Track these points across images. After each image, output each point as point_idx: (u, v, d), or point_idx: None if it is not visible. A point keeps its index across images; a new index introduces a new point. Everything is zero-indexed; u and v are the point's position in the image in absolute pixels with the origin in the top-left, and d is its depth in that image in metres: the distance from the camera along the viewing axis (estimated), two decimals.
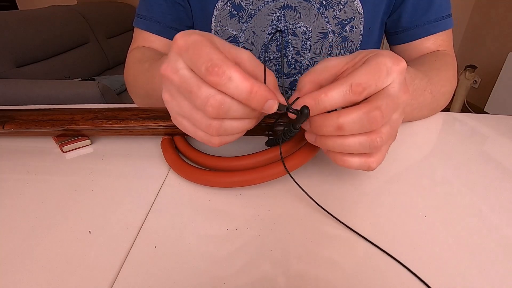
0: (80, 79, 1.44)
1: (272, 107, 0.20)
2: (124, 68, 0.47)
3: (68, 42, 1.58)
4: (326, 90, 0.21)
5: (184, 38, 0.21)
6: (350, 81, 0.21)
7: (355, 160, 0.23)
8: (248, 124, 0.23)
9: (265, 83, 0.23)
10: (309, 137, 0.25)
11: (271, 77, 0.24)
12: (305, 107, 0.21)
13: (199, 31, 0.22)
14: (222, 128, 0.22)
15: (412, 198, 0.27)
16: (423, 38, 0.44)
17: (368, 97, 0.22)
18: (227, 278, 0.20)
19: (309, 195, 0.25)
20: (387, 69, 0.21)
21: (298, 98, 0.23)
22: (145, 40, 0.47)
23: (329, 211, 0.25)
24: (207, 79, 0.19)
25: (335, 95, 0.21)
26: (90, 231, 0.24)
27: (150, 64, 0.38)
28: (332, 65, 0.24)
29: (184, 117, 0.23)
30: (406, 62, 0.23)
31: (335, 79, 0.24)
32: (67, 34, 1.58)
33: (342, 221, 0.24)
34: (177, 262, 0.21)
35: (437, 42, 0.44)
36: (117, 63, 1.96)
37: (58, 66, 1.48)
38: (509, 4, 1.82)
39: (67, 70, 1.52)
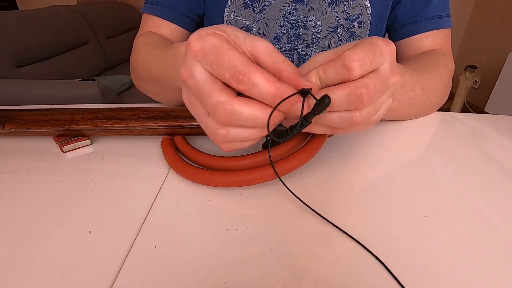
0: (80, 79, 1.43)
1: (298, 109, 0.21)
2: (131, 52, 0.45)
3: (68, 42, 1.58)
4: (325, 68, 0.22)
5: (199, 42, 0.20)
6: (345, 59, 0.21)
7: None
8: (259, 133, 0.23)
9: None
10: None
11: (290, 67, 0.22)
12: (326, 96, 0.20)
13: (210, 29, 0.21)
14: (229, 136, 0.22)
15: (412, 198, 0.27)
16: (421, 35, 0.44)
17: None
18: (227, 278, 0.20)
19: (301, 199, 0.26)
20: (380, 50, 0.22)
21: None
22: (154, 25, 0.46)
23: (325, 216, 0.25)
24: (233, 86, 0.20)
25: (331, 73, 0.22)
26: (90, 231, 0.24)
27: (161, 51, 0.37)
28: (319, 59, 0.24)
29: (199, 121, 0.24)
30: (402, 61, 0.23)
31: None
32: (67, 34, 1.58)
33: (343, 222, 0.24)
34: (177, 262, 0.21)
35: (435, 41, 0.45)
36: (117, 63, 1.95)
37: (58, 66, 1.48)
38: (509, 4, 1.82)
39: (67, 70, 1.51)
